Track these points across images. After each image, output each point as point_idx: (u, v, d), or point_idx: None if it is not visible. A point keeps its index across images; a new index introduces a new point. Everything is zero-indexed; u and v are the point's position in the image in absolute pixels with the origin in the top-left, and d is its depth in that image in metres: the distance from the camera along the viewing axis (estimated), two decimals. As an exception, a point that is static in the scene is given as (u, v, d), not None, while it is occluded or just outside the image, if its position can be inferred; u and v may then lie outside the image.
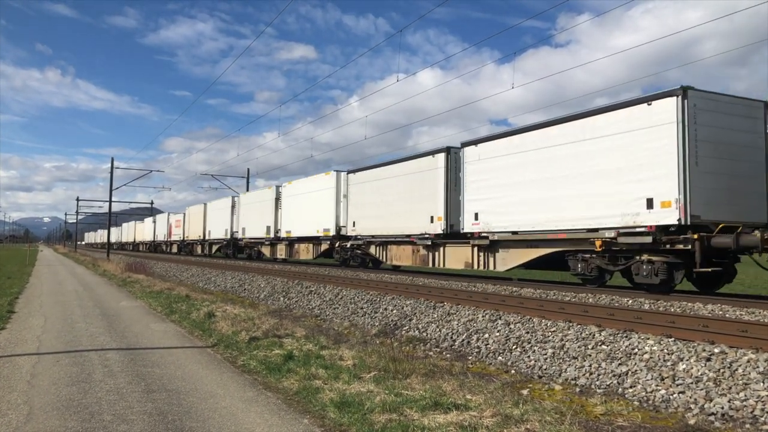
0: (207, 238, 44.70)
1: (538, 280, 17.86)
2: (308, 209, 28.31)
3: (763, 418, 5.28)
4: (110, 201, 47.80)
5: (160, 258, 44.20)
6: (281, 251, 32.24)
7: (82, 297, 16.66)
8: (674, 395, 6.03)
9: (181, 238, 52.25)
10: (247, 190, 48.80)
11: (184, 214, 51.63)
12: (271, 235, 32.74)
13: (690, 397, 5.92)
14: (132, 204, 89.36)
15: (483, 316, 10.13)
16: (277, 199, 32.32)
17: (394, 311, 12.10)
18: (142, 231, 72.87)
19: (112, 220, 58.48)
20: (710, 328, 7.56)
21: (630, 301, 11.29)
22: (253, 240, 35.88)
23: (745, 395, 5.68)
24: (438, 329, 10.28)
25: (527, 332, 8.88)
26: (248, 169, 52.96)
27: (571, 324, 8.74)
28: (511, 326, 9.33)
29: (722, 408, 5.56)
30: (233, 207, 39.61)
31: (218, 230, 42.16)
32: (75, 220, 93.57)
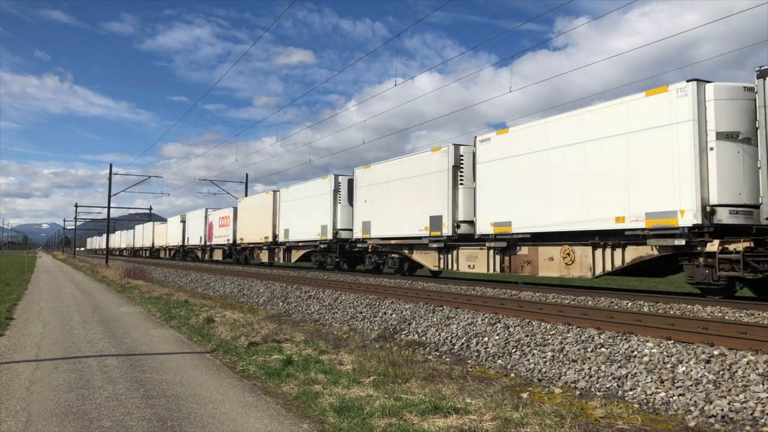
0: (283, 239, 30.92)
1: (537, 283, 17.85)
2: (580, 177, 14.35)
3: (762, 420, 5.28)
4: (108, 207, 47.77)
5: (159, 264, 44.01)
6: (477, 260, 17.98)
7: (80, 303, 16.64)
8: (674, 397, 6.03)
9: (231, 241, 39.61)
10: (246, 195, 47.85)
11: (235, 208, 39.57)
12: (446, 230, 18.56)
13: (690, 400, 5.91)
14: (131, 210, 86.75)
15: (482, 320, 10.13)
16: (457, 168, 18.72)
17: (394, 315, 12.09)
18: (163, 234, 59.22)
19: (111, 226, 58.32)
20: (709, 330, 7.56)
21: (629, 304, 11.30)
22: (391, 241, 21.78)
23: (745, 397, 5.68)
24: (437, 333, 10.27)
25: (527, 335, 8.88)
26: (246, 174, 52.72)
27: (570, 327, 8.74)
28: (511, 329, 9.32)
29: (722, 410, 5.56)
30: (337, 192, 25.88)
31: (305, 228, 28.10)
32: (74, 227, 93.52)
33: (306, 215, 28.07)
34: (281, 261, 32.51)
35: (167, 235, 57.32)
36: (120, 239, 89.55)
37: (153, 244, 63.65)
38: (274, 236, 32.23)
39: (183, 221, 52.15)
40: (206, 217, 45.78)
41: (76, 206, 74.96)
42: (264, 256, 34.47)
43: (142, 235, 70.10)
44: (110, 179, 46.14)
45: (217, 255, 43.84)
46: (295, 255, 30.51)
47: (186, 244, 51.12)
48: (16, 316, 13.21)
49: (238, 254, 39.05)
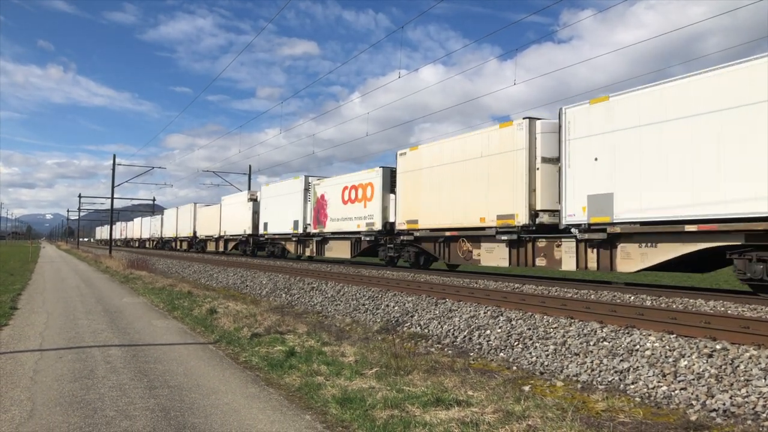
0: (578, 219, 13.98)
1: (540, 277, 17.86)
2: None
3: (764, 415, 5.28)
4: (112, 197, 47.89)
5: (162, 255, 44.07)
6: None
7: (84, 293, 16.71)
8: (676, 391, 6.04)
9: (377, 227, 22.69)
10: (249, 188, 46.90)
11: (387, 170, 22.87)
12: None
13: (692, 394, 5.92)
14: (134, 200, 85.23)
15: (485, 313, 10.14)
16: None
17: (396, 308, 12.12)
18: (213, 219, 43.01)
19: (116, 216, 58.29)
20: (712, 325, 7.55)
21: (632, 298, 11.29)
22: None
23: (747, 392, 5.69)
24: (440, 325, 10.29)
25: (529, 329, 8.89)
26: (249, 166, 52.67)
27: (572, 320, 8.75)
28: (513, 323, 9.33)
29: (724, 404, 5.56)
30: None
31: (688, 185, 11.70)
32: (77, 217, 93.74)
33: (683, 160, 12.00)
34: (588, 266, 14.31)
35: (221, 220, 41.07)
36: (140, 228, 73.43)
37: (194, 233, 48.15)
38: (533, 213, 15.73)
39: (253, 199, 36.17)
40: (309, 189, 28.57)
41: (80, 197, 75.18)
42: (492, 255, 17.04)
43: (176, 222, 53.55)
44: (113, 170, 46.23)
45: (340, 249, 25.99)
46: (647, 257, 12.90)
47: (263, 232, 33.87)
48: (20, 306, 13.27)
49: (399, 249, 21.83)
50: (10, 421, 4.94)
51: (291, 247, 31.03)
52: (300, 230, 29.06)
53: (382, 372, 6.62)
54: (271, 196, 33.11)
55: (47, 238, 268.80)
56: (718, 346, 6.67)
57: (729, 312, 9.34)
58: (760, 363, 6.09)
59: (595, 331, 8.07)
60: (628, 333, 7.73)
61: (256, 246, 36.03)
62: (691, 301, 10.56)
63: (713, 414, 5.46)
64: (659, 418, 5.44)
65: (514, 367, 7.70)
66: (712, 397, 5.76)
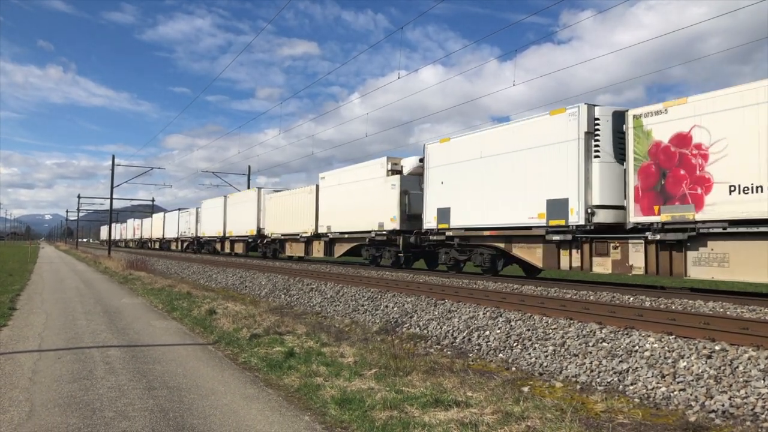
0: None
1: (538, 277, 17.86)
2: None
3: (763, 416, 5.28)
4: (111, 198, 47.86)
5: (161, 255, 44.01)
6: None
7: (83, 294, 16.69)
8: (675, 393, 6.04)
9: None
10: (248, 188, 46.86)
11: None
12: None
13: (691, 395, 5.92)
14: (133, 201, 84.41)
15: (484, 314, 10.14)
16: None
17: (395, 308, 12.11)
18: (297, 209, 29.38)
19: (116, 216, 58.17)
20: (711, 326, 7.56)
21: (631, 299, 11.30)
22: None
23: (746, 393, 5.69)
24: (439, 326, 10.29)
25: (528, 329, 8.89)
26: (249, 167, 52.62)
27: (572, 321, 8.75)
28: (512, 323, 9.33)
29: (723, 405, 5.56)
30: None
31: None
32: (76, 217, 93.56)
33: None
34: None
35: (320, 210, 27.22)
36: (163, 226, 58.46)
37: (258, 230, 34.40)
38: None
39: (397, 171, 22.18)
40: (598, 132, 13.81)
41: (79, 197, 75.06)
42: None
43: (223, 217, 39.75)
44: (113, 170, 46.19)
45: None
46: None
47: (433, 226, 18.92)
48: (18, 306, 13.26)
49: None
50: (8, 422, 4.94)
51: (533, 254, 15.84)
52: (574, 219, 14.27)
53: (382, 373, 6.62)
54: (458, 160, 18.09)
55: (46, 238, 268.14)
56: (717, 347, 6.67)
57: (728, 313, 9.34)
58: (759, 364, 6.10)
59: (594, 332, 8.07)
60: (627, 334, 7.73)
61: (411, 249, 21.56)
62: (690, 302, 10.56)
63: (712, 415, 5.46)
64: (658, 419, 5.44)
65: (513, 368, 7.70)
66: (711, 398, 5.76)
